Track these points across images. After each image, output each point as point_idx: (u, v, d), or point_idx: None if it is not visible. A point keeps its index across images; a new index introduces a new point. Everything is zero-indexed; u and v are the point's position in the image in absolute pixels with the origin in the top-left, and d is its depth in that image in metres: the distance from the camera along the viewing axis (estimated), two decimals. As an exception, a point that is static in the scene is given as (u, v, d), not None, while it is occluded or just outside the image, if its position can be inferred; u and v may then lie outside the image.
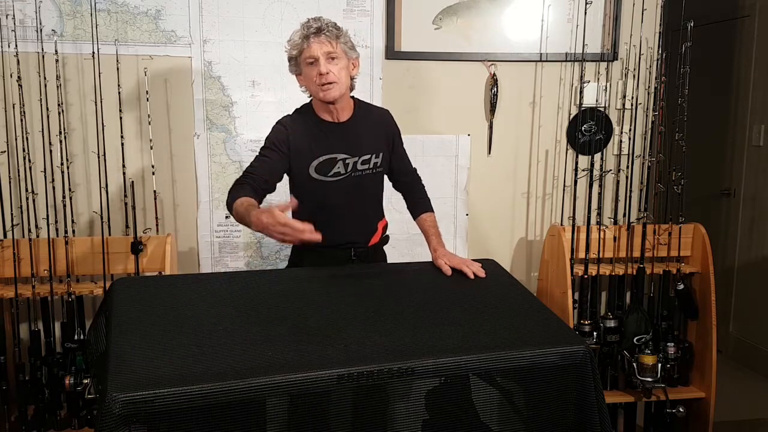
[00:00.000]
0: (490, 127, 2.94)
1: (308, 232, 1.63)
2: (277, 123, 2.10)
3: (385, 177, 2.27)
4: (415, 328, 1.64)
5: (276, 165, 2.04)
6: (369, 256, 2.21)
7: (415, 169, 2.34)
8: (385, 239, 2.30)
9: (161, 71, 2.65)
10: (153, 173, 2.60)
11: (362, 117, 2.15)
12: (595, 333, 2.78)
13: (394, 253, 2.85)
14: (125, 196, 2.57)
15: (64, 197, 2.51)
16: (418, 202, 2.29)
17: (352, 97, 2.15)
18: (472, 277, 1.96)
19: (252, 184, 1.97)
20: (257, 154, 2.07)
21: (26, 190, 2.50)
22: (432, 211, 2.28)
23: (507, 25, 2.87)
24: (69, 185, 2.53)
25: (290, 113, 2.14)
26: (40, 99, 2.48)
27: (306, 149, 2.06)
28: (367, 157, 2.12)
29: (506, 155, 2.97)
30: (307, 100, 2.15)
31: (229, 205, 1.92)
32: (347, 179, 2.10)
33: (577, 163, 2.90)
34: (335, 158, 2.07)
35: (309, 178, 2.07)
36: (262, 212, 1.69)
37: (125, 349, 1.47)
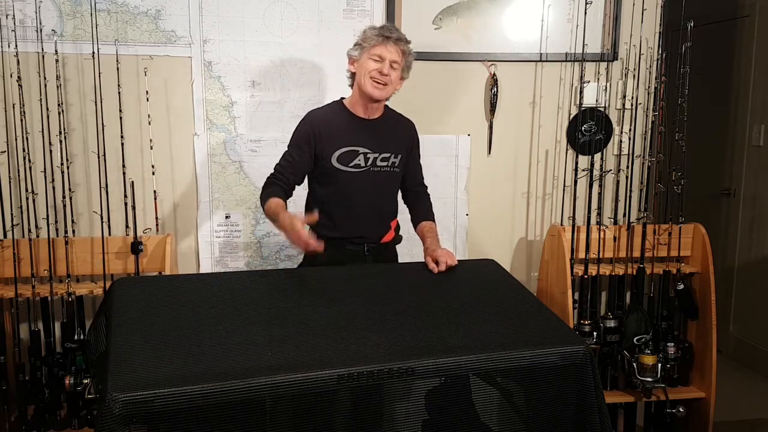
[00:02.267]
0: (490, 127, 2.94)
1: (312, 245, 1.87)
2: (304, 117, 2.23)
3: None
4: (415, 328, 1.64)
5: (301, 164, 2.19)
6: (381, 253, 2.28)
7: (426, 185, 2.43)
8: (398, 238, 2.37)
9: (161, 71, 2.65)
10: (153, 173, 2.60)
11: (390, 119, 2.29)
12: (595, 333, 2.78)
13: (394, 253, 2.85)
14: (125, 196, 2.56)
15: (64, 197, 2.51)
16: (423, 212, 2.36)
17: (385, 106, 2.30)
18: (435, 270, 2.03)
19: (281, 185, 2.16)
20: (285, 149, 2.22)
21: (26, 190, 2.49)
22: (434, 221, 2.34)
23: (507, 25, 2.87)
24: (69, 185, 2.53)
25: (320, 106, 2.29)
26: (40, 99, 2.48)
27: (331, 139, 2.18)
28: (387, 155, 2.22)
29: (506, 155, 2.97)
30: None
31: (263, 201, 2.12)
32: (366, 173, 2.20)
33: (577, 163, 2.90)
34: (357, 151, 2.18)
35: (331, 166, 2.17)
36: (288, 218, 1.93)
37: (125, 349, 1.47)
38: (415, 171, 2.38)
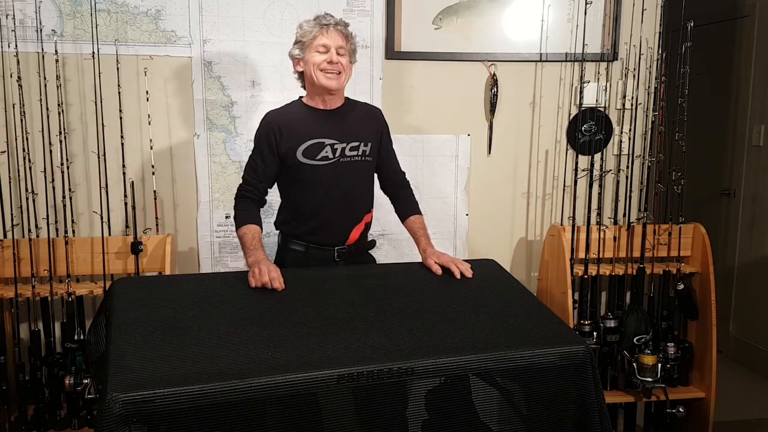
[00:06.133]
0: (490, 127, 2.94)
1: (275, 281, 1.86)
2: (262, 119, 2.16)
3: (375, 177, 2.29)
4: (414, 328, 1.64)
5: (267, 169, 2.13)
6: (353, 257, 2.22)
7: (404, 173, 2.35)
8: (371, 243, 2.30)
9: (161, 71, 2.65)
10: (153, 173, 2.60)
11: (353, 108, 2.22)
12: (595, 333, 2.78)
13: (393, 253, 2.85)
14: (125, 196, 2.57)
15: (64, 197, 2.51)
16: (406, 205, 2.30)
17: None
18: (458, 276, 1.99)
19: (253, 197, 2.13)
20: (250, 155, 2.16)
21: (26, 190, 2.50)
22: (420, 213, 2.29)
23: (507, 25, 2.87)
24: (69, 185, 2.53)
25: (279, 107, 2.20)
26: (40, 99, 2.48)
27: (294, 134, 2.11)
28: (355, 144, 2.15)
29: (506, 155, 2.97)
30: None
31: (238, 222, 2.10)
32: (336, 164, 2.13)
33: (577, 163, 2.90)
34: (323, 143, 2.11)
35: (297, 162, 2.11)
36: (266, 270, 1.89)
37: (125, 349, 1.47)
38: (389, 159, 2.30)
